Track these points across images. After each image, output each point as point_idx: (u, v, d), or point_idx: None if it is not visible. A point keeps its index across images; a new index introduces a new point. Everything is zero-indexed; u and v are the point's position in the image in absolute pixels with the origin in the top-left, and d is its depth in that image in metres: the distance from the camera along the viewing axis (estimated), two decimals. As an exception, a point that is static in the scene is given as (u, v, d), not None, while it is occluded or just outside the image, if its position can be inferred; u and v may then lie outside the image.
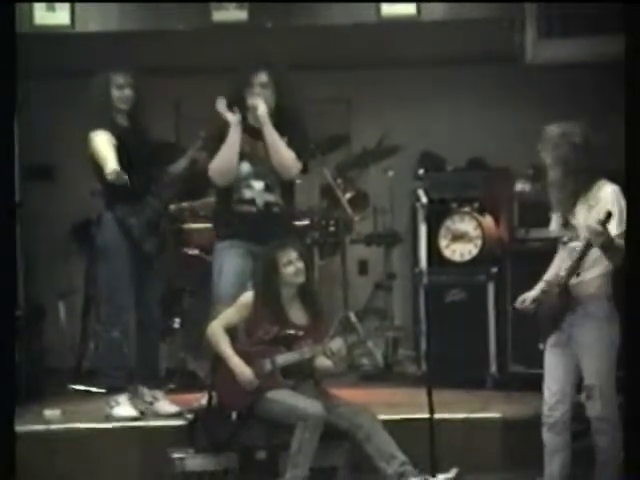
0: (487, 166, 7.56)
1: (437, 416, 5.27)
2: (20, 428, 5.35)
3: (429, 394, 5.24)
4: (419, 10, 6.83)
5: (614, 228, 4.70)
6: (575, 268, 4.86)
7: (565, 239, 5.02)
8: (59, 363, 7.32)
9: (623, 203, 4.81)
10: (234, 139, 5.73)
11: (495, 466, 5.61)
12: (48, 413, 5.93)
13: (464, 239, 6.76)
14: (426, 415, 5.27)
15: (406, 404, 6.01)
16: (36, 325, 6.95)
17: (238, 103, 5.72)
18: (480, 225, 6.73)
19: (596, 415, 4.88)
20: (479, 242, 6.73)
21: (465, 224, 6.75)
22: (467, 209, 6.80)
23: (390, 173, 7.53)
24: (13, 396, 4.76)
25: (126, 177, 5.50)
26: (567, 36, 6.76)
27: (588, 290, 4.91)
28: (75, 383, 6.94)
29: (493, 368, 6.52)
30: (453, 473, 5.18)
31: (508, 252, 6.68)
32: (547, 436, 5.07)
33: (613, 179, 4.93)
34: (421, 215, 6.55)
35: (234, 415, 5.35)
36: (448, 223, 6.80)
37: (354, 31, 7.05)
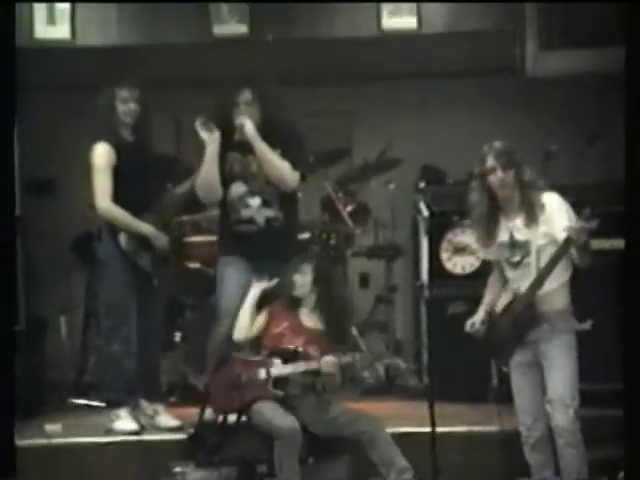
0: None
1: (439, 429, 5.26)
2: (21, 442, 5.36)
3: (431, 407, 5.22)
4: (420, 24, 6.84)
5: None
6: (544, 278, 4.86)
7: (516, 259, 5.02)
8: (60, 377, 7.29)
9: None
10: (211, 156, 5.66)
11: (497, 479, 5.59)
12: (49, 427, 5.93)
13: (466, 252, 6.73)
14: (428, 428, 5.25)
15: (408, 417, 5.99)
16: (37, 339, 6.93)
17: (225, 122, 5.69)
18: (481, 237, 6.70)
19: (564, 426, 4.87)
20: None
21: (466, 237, 6.71)
22: (468, 222, 6.78)
23: (391, 186, 7.51)
24: (13, 410, 4.75)
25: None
26: (568, 48, 6.75)
27: (554, 306, 4.93)
28: (76, 397, 6.92)
29: (494, 381, 6.49)
30: (455, 487, 5.18)
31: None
32: (531, 456, 5.10)
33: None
34: (422, 228, 6.57)
35: (221, 418, 5.40)
36: (449, 236, 6.77)
37: (355, 44, 7.06)
